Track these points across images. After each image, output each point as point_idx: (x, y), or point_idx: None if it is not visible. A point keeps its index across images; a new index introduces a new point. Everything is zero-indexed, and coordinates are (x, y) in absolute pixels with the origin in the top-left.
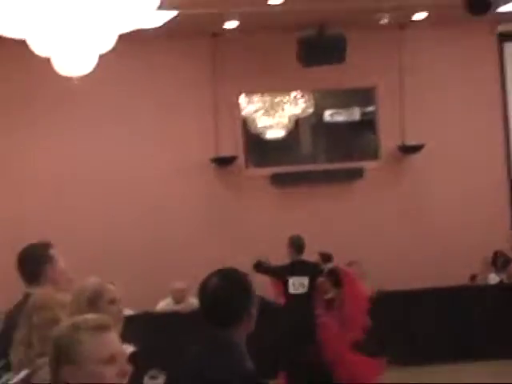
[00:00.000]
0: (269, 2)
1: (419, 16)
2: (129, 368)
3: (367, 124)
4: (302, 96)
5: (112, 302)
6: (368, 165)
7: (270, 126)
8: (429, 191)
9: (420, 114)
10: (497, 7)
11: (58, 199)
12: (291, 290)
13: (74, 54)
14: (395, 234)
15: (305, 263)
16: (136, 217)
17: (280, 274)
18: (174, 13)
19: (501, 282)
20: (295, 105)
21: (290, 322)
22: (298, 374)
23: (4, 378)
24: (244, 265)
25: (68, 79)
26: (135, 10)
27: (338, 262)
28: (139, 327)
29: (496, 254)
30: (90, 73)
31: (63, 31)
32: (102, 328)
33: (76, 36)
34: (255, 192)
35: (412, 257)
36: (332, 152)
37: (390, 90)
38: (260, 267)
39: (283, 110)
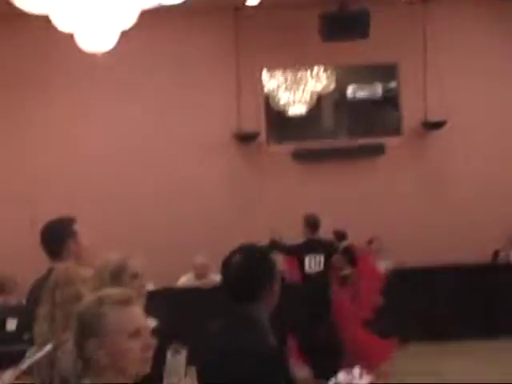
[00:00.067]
0: None
1: None
2: (153, 342)
3: (389, 100)
4: (325, 72)
5: (135, 276)
6: (390, 141)
7: (292, 102)
8: (451, 167)
9: (443, 90)
10: None
11: (81, 175)
12: (307, 269)
13: (97, 30)
14: (417, 210)
15: (320, 241)
16: (158, 193)
17: (296, 253)
18: None
19: None
20: (317, 81)
21: (307, 300)
22: (312, 352)
23: (29, 352)
24: (265, 240)
25: (90, 55)
26: None
27: (359, 238)
28: (161, 302)
29: None
30: (112, 49)
31: (86, 7)
32: (126, 302)
33: (99, 11)
34: (277, 168)
35: (434, 233)
36: (354, 128)
37: (413, 66)
38: (275, 246)
39: (305, 85)
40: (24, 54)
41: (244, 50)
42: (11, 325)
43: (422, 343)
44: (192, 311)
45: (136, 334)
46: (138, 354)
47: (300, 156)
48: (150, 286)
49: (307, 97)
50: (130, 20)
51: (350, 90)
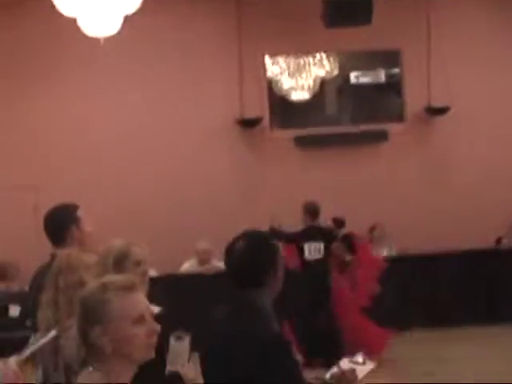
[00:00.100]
0: None
1: None
2: (157, 327)
3: (393, 86)
4: (328, 58)
5: (138, 263)
6: (393, 127)
7: (295, 88)
8: (454, 154)
9: (446, 76)
10: None
11: (83, 162)
12: (307, 256)
13: (100, 15)
14: (420, 196)
15: (320, 229)
16: (161, 178)
17: (295, 240)
18: None
19: None
20: (320, 66)
21: (307, 287)
22: (312, 339)
23: (32, 339)
24: (266, 227)
25: (92, 42)
26: None
27: (361, 224)
28: (163, 288)
29: None
30: (115, 34)
31: None
32: (130, 288)
33: None
34: (279, 154)
35: (437, 219)
36: (357, 114)
37: (416, 52)
38: (274, 233)
39: (308, 71)
40: (25, 41)
41: (246, 36)
42: (14, 311)
43: (425, 329)
44: (195, 297)
45: (140, 319)
46: (142, 340)
47: (303, 142)
48: (153, 273)
49: (310, 83)
50: (133, 5)
51: (353, 76)
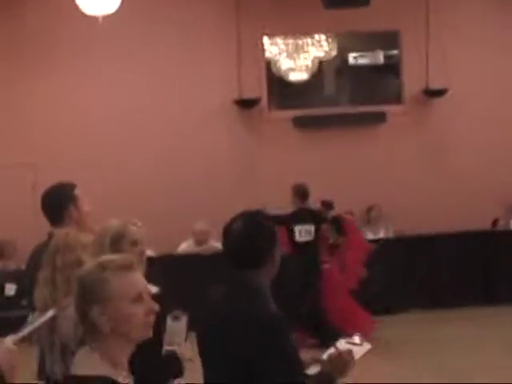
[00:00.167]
0: None
1: None
2: (155, 306)
3: (391, 67)
4: (326, 39)
5: (134, 243)
6: (391, 109)
7: (294, 69)
8: (452, 135)
9: (444, 57)
10: None
11: (82, 142)
12: (298, 238)
13: None
14: (417, 178)
15: (310, 211)
16: (159, 159)
17: (285, 222)
18: None
19: None
20: (319, 47)
21: (298, 269)
22: (301, 320)
23: (30, 317)
24: (266, 206)
25: (92, 19)
26: None
27: (359, 205)
28: (161, 268)
29: None
30: (113, 15)
31: None
32: (128, 267)
33: None
34: (277, 134)
35: (434, 201)
36: (355, 95)
37: (415, 34)
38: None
39: (307, 52)
40: (24, 20)
41: (245, 17)
42: (10, 290)
43: (422, 310)
44: (192, 277)
45: (139, 298)
46: (141, 319)
47: (301, 122)
48: (150, 253)
49: (308, 63)
50: None
51: (351, 57)
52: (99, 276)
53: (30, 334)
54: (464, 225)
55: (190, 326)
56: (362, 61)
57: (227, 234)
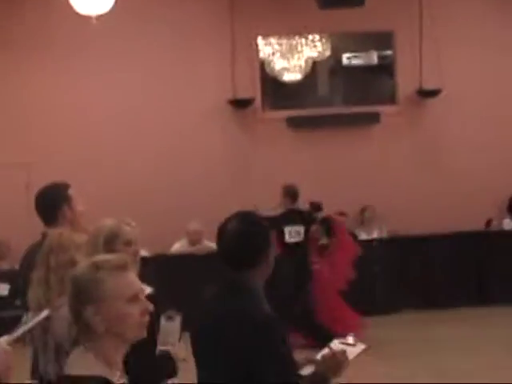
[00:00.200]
0: None
1: None
2: (150, 306)
3: (385, 68)
4: (320, 39)
5: (128, 243)
6: (385, 109)
7: (287, 69)
8: (446, 136)
9: (438, 58)
10: None
11: (76, 141)
12: (288, 239)
13: None
14: (411, 178)
15: (299, 212)
16: (153, 159)
17: (275, 223)
18: None
19: None
20: (313, 48)
21: (288, 269)
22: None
23: (25, 318)
24: (259, 207)
25: (86, 18)
26: None
27: (352, 205)
28: (154, 268)
29: (511, 200)
30: (107, 13)
31: None
32: (123, 267)
33: None
34: (271, 134)
35: (428, 201)
36: (349, 96)
37: (409, 34)
38: None
39: (301, 52)
40: (19, 19)
41: (239, 17)
42: (3, 290)
43: (416, 311)
44: (186, 277)
45: (134, 298)
46: (136, 319)
47: (295, 123)
48: (144, 253)
49: (302, 64)
50: None
51: (345, 58)
52: (94, 276)
53: (24, 335)
54: (458, 225)
55: (184, 326)
56: (356, 61)
57: (222, 234)
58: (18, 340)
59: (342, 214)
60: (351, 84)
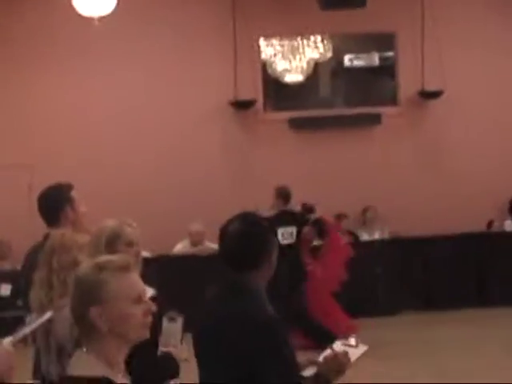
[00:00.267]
0: None
1: None
2: (153, 307)
3: (386, 69)
4: (322, 40)
5: (130, 244)
6: (387, 110)
7: (289, 70)
8: (447, 137)
9: (440, 59)
10: None
11: (78, 142)
12: (280, 240)
13: None
14: (413, 179)
15: (292, 213)
16: (155, 160)
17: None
18: None
19: None
20: (314, 49)
21: (281, 271)
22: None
23: (28, 319)
24: (266, 208)
25: (88, 20)
26: None
27: (354, 207)
28: (156, 269)
29: None
30: (110, 14)
31: None
32: (126, 268)
33: None
34: (273, 136)
35: (429, 202)
36: (351, 97)
37: (411, 36)
38: None
39: (302, 53)
40: (21, 24)
41: (241, 18)
42: (5, 290)
43: (417, 311)
44: (188, 278)
45: (138, 299)
46: (139, 320)
47: (296, 124)
48: (146, 253)
49: (304, 65)
50: None
51: (346, 59)
52: (97, 277)
53: (27, 336)
54: (459, 227)
55: (186, 327)
56: (358, 62)
57: (224, 235)
58: (20, 340)
59: (341, 215)
60: (353, 85)
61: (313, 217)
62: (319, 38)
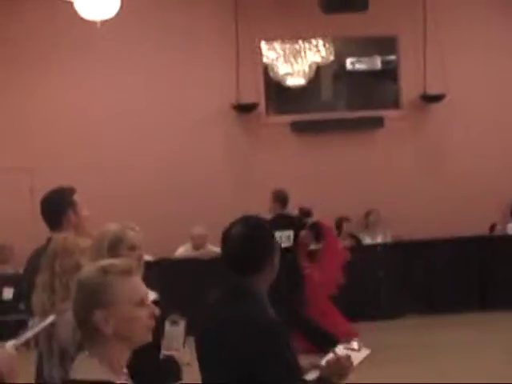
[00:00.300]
0: None
1: None
2: (156, 310)
3: (389, 73)
4: (324, 43)
5: (132, 248)
6: (389, 114)
7: (291, 74)
8: (450, 140)
9: (442, 63)
10: None
11: (80, 145)
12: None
13: None
14: (415, 183)
15: (289, 217)
16: (157, 163)
17: None
18: None
19: None
20: (316, 52)
21: (279, 275)
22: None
23: (31, 322)
24: (263, 212)
25: (89, 25)
26: None
27: (357, 210)
28: (158, 273)
29: None
30: (112, 18)
31: None
32: (129, 272)
33: None
34: (275, 139)
35: (432, 206)
36: (353, 100)
37: (413, 39)
38: None
39: (304, 57)
40: (23, 27)
41: (243, 21)
42: (7, 294)
43: (419, 315)
44: (190, 282)
45: (141, 303)
46: (143, 323)
47: (298, 127)
48: (148, 257)
49: (306, 68)
50: None
51: (348, 63)
52: (101, 280)
53: (30, 339)
54: (461, 230)
55: (188, 331)
56: (360, 66)
57: (226, 238)
58: (23, 344)
59: (343, 219)
60: (355, 89)
61: (310, 220)
62: (321, 41)
